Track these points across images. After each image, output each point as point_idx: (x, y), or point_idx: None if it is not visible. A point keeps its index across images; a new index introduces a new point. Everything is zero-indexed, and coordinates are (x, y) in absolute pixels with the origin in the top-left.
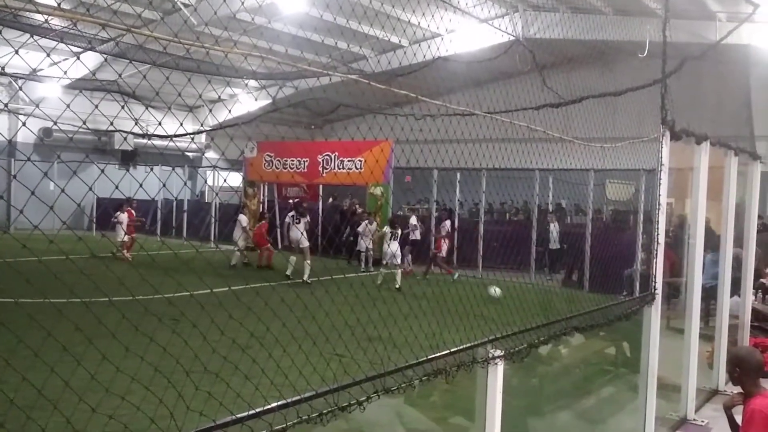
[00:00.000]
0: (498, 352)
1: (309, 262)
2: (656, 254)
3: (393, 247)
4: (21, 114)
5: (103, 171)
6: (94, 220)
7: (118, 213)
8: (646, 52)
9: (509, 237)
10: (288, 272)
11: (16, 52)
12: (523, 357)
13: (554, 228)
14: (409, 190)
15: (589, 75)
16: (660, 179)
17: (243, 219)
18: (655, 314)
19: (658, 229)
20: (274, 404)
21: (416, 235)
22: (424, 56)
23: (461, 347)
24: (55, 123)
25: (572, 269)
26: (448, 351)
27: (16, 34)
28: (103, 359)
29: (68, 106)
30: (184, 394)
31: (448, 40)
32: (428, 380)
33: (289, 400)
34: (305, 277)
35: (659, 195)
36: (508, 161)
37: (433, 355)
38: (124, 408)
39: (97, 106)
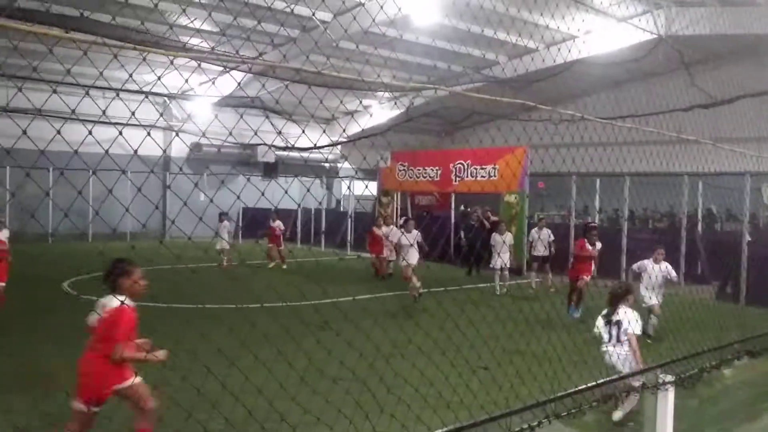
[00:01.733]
0: (669, 378)
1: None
2: None
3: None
4: (174, 130)
5: (249, 180)
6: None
7: (224, 221)
8: None
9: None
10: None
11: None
12: (695, 383)
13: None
14: (545, 196)
15: (742, 72)
16: None
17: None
18: None
19: None
20: (449, 427)
21: (538, 250)
22: (557, 55)
23: (630, 373)
24: (209, 139)
25: (726, 280)
26: (618, 375)
27: (168, 57)
28: (255, 362)
29: (226, 124)
30: (331, 401)
31: (584, 41)
32: (598, 406)
33: (463, 424)
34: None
35: None
36: (653, 165)
37: (602, 380)
38: (274, 412)
39: (246, 121)
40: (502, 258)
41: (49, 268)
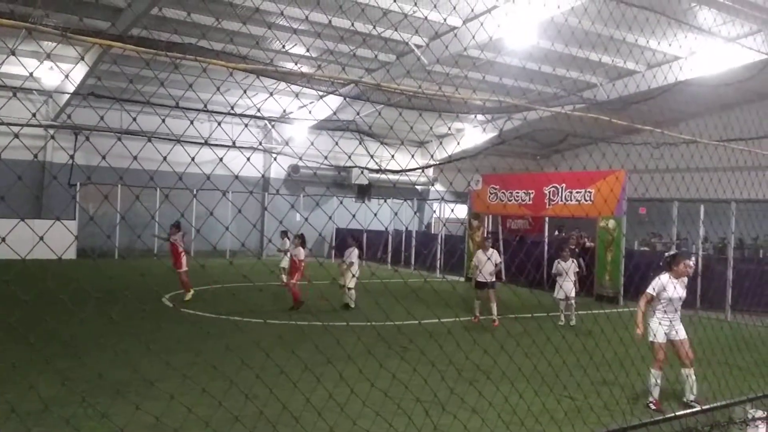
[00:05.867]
0: (759, 413)
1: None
2: None
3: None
4: (273, 153)
5: (341, 202)
6: (333, 247)
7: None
8: None
9: (763, 276)
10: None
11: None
12: None
13: None
14: (645, 222)
15: None
16: None
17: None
18: None
19: None
20: None
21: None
22: (661, 77)
23: (714, 405)
24: (305, 161)
25: None
26: (699, 408)
27: (270, 82)
28: (339, 380)
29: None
30: (413, 422)
31: (690, 62)
32: None
33: None
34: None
35: None
36: (765, 192)
37: (681, 412)
38: (357, 429)
39: (340, 146)
40: (564, 288)
41: (152, 282)
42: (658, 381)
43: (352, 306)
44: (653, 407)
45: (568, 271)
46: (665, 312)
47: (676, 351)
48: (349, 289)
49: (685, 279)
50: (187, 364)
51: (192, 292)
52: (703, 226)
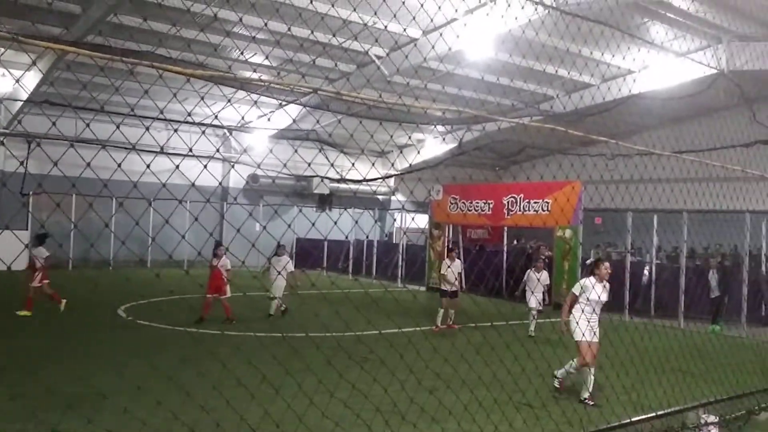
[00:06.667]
0: (712, 418)
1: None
2: None
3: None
4: (232, 161)
5: (300, 211)
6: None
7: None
8: None
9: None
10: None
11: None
12: (741, 425)
13: (713, 275)
14: (600, 232)
15: None
16: None
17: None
18: None
19: None
20: None
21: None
22: (615, 90)
23: (668, 411)
24: (265, 170)
25: None
26: (654, 414)
27: (228, 90)
28: (298, 391)
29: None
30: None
31: (643, 76)
32: None
33: None
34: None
35: None
36: (715, 202)
37: (637, 418)
38: None
39: (300, 155)
40: (536, 297)
41: (107, 293)
42: (591, 376)
43: (272, 313)
44: (590, 403)
45: (538, 281)
46: (588, 314)
47: None
48: (273, 297)
49: (607, 284)
50: (141, 377)
51: (26, 312)
52: (656, 235)
